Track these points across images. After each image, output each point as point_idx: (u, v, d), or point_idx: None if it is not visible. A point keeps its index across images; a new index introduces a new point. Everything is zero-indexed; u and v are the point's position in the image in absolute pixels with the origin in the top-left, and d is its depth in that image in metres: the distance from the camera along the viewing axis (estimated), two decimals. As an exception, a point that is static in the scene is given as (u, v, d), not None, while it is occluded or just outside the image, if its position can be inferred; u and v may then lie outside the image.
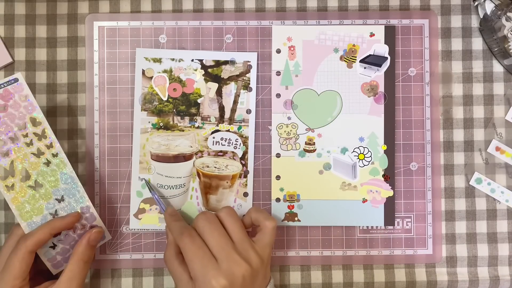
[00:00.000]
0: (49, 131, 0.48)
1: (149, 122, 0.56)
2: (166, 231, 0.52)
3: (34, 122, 0.47)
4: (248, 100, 0.56)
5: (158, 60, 0.56)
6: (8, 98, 0.46)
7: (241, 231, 0.49)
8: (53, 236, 0.50)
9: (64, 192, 0.51)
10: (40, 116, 0.47)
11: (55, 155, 0.50)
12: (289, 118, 0.57)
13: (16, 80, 0.45)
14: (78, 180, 0.52)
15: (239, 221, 0.50)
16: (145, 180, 0.56)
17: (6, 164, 0.49)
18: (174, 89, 0.56)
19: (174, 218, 0.52)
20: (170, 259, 0.49)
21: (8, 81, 0.45)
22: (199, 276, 0.46)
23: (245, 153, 0.56)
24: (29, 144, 0.48)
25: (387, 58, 0.57)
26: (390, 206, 0.57)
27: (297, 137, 0.57)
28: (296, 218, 0.57)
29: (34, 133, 0.48)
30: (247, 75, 0.56)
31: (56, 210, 0.51)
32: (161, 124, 0.56)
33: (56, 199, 0.51)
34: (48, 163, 0.50)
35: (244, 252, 0.48)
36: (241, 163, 0.56)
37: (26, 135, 0.48)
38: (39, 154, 0.49)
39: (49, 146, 0.49)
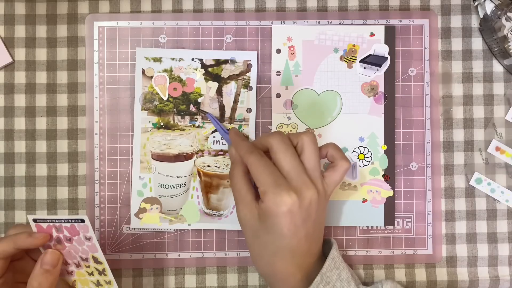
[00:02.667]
0: (108, 272, 0.49)
1: (149, 121, 0.56)
2: (230, 151, 0.51)
3: (96, 260, 0.48)
4: (249, 99, 0.56)
5: (158, 60, 0.56)
6: (74, 233, 0.47)
7: (317, 161, 0.49)
8: (19, 250, 0.47)
9: None
10: (101, 257, 0.48)
11: None
12: (289, 118, 0.57)
13: (82, 221, 0.46)
14: None
15: (318, 151, 0.49)
16: (208, 114, 0.56)
17: (69, 280, 0.50)
18: (174, 88, 0.56)
19: (240, 138, 0.52)
20: (236, 176, 0.49)
21: (75, 219, 0.46)
22: (269, 188, 0.46)
23: (245, 152, 0.56)
24: (90, 274, 0.49)
25: (387, 58, 0.57)
26: (390, 206, 0.57)
27: (297, 137, 0.57)
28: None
29: (96, 268, 0.49)
30: (247, 74, 0.56)
31: None
32: (162, 124, 0.56)
33: None
34: None
35: (314, 179, 0.48)
36: (241, 162, 0.56)
37: (88, 266, 0.49)
38: (98, 284, 0.50)
39: (108, 283, 0.50)
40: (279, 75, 0.57)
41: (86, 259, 0.48)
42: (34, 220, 0.47)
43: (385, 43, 0.57)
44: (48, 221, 0.47)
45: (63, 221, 0.46)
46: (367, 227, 0.57)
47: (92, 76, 0.57)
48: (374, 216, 0.57)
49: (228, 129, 0.55)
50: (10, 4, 0.57)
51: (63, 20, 0.57)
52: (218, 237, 0.57)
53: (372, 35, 0.57)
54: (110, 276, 0.49)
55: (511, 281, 0.58)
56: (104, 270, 0.49)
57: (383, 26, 0.57)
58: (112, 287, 0.50)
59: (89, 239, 0.47)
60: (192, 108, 0.56)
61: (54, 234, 0.47)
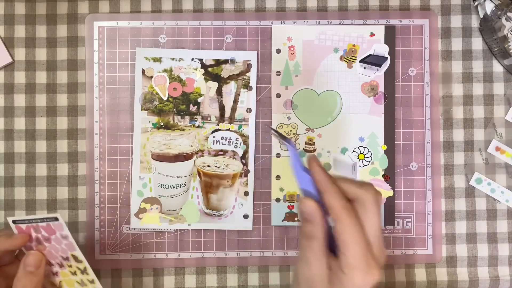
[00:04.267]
0: (90, 270, 0.48)
1: (149, 121, 0.56)
2: (303, 207, 0.40)
3: (76, 259, 0.48)
4: (248, 99, 0.56)
5: (158, 60, 0.56)
6: (51, 233, 0.47)
7: (379, 229, 0.39)
8: (2, 253, 0.47)
9: None
10: (80, 256, 0.47)
11: None
12: (289, 118, 0.57)
13: (56, 219, 0.46)
14: None
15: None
16: (271, 128, 0.55)
17: (55, 281, 0.50)
18: (174, 88, 0.56)
19: (329, 181, 0.39)
20: (318, 258, 0.39)
21: (48, 218, 0.46)
22: (361, 265, 0.38)
23: (245, 152, 0.56)
24: (74, 273, 0.49)
25: (387, 58, 0.57)
26: (390, 206, 0.57)
27: (297, 137, 0.57)
28: (296, 218, 0.57)
29: (78, 267, 0.48)
30: (247, 74, 0.56)
31: None
32: (162, 124, 0.56)
33: None
34: None
35: (377, 259, 0.39)
36: (241, 162, 0.56)
37: (70, 266, 0.48)
38: (82, 284, 0.49)
39: (91, 282, 0.49)
40: (279, 75, 0.57)
41: (67, 258, 0.48)
42: (14, 222, 0.47)
43: (385, 43, 0.57)
44: (26, 221, 0.46)
45: (38, 220, 0.46)
46: (367, 227, 0.57)
47: (92, 76, 0.57)
48: (374, 216, 0.57)
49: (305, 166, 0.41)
50: (10, 4, 0.57)
51: (63, 20, 0.57)
52: (218, 237, 0.57)
53: (372, 35, 0.57)
54: (92, 275, 0.49)
55: (511, 281, 0.58)
56: (85, 268, 0.48)
57: (383, 26, 0.57)
58: (95, 286, 0.49)
59: (65, 237, 0.46)
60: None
61: (33, 234, 0.47)
